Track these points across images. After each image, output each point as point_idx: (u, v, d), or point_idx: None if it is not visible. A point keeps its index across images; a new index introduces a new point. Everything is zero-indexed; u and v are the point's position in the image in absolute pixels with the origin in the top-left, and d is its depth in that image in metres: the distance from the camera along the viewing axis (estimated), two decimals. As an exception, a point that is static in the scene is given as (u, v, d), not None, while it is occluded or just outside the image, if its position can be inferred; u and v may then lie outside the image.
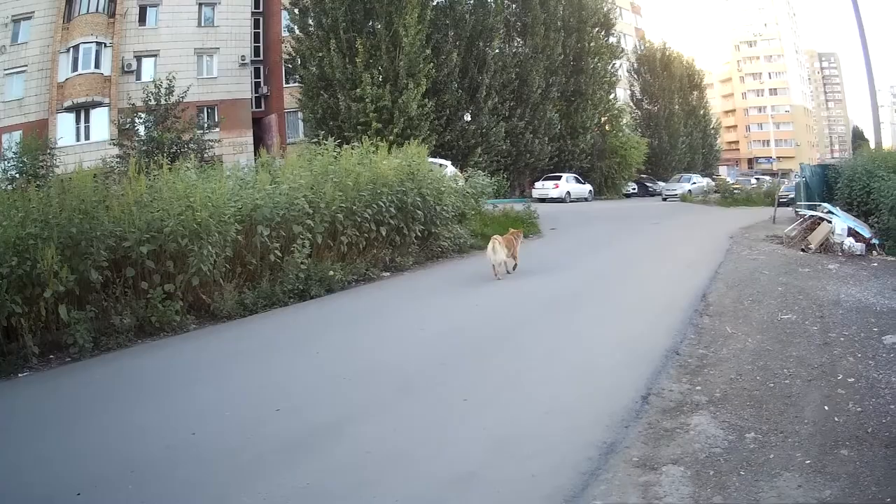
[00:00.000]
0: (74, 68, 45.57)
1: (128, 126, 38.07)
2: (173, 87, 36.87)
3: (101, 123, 45.36)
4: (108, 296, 11.01)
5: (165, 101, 36.64)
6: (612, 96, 63.24)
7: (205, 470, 6.18)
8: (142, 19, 47.97)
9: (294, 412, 7.53)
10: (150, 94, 36.72)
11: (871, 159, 24.01)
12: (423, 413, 7.57)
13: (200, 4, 49.79)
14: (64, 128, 44.31)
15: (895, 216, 18.13)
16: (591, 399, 7.91)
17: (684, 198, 51.19)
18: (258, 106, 54.12)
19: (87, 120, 45.74)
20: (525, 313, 12.61)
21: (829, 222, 19.60)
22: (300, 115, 46.97)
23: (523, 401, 7.87)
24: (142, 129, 36.48)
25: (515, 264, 16.00)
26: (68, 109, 45.25)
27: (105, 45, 46.22)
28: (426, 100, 39.77)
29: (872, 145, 33.69)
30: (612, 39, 63.47)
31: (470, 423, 7.23)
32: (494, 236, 15.61)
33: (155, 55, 47.43)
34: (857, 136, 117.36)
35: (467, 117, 45.98)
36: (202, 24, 49.76)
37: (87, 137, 45.28)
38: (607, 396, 7.93)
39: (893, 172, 20.09)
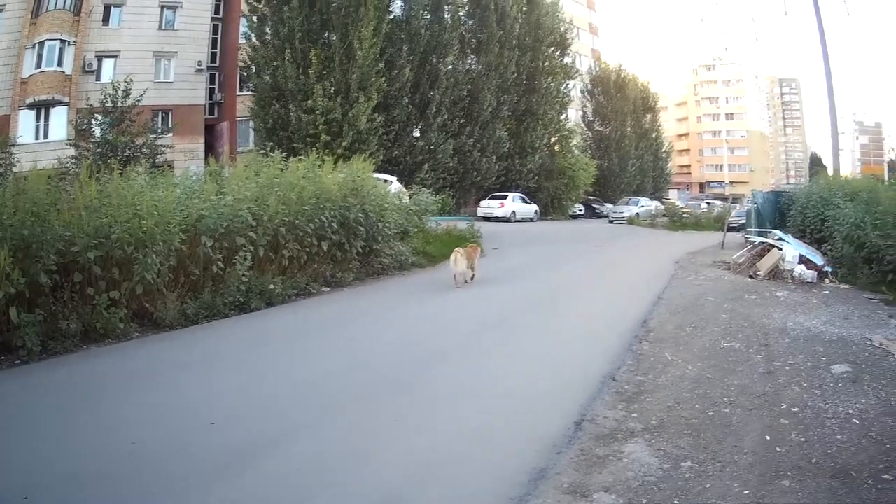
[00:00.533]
0: (38, 65, 45.47)
1: (84, 127, 38.05)
2: (130, 89, 37.22)
3: (59, 123, 45.13)
4: (56, 300, 11.02)
5: (122, 103, 37.02)
6: (563, 117, 63.89)
7: (142, 480, 6.18)
8: (105, 19, 47.82)
9: (229, 426, 7.52)
10: (107, 96, 37.09)
11: (827, 186, 24.52)
12: (354, 433, 7.56)
13: (163, 7, 49.76)
14: (24, 125, 44.37)
15: (849, 244, 18.40)
16: (524, 424, 7.93)
17: (631, 221, 51.77)
18: (211, 113, 53.77)
19: (46, 118, 45.54)
20: (459, 336, 12.64)
21: (780, 249, 19.89)
22: (251, 124, 47.12)
23: (455, 423, 7.91)
24: (98, 131, 36.76)
25: (473, 275, 17.48)
26: (30, 106, 45.08)
27: (69, 44, 46.10)
28: (376, 114, 40.22)
29: (830, 172, 34.37)
30: (567, 59, 64.32)
31: (400, 445, 7.24)
32: (456, 249, 17.16)
33: (115, 56, 47.32)
34: (815, 163, 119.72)
35: (416, 133, 46.42)
36: (163, 27, 49.79)
37: (45, 136, 45.10)
38: (540, 422, 7.96)
39: (850, 200, 20.48)
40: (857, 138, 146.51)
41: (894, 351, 11.08)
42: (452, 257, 17.17)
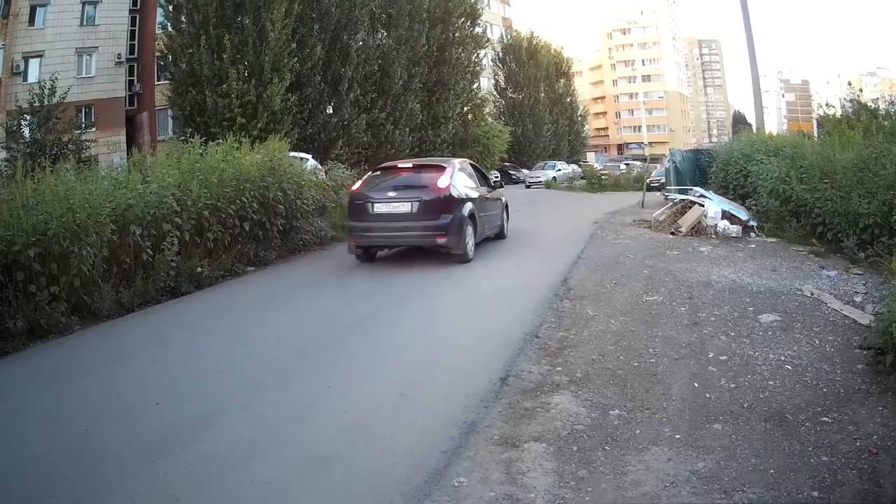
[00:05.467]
0: (-28, 70, 44.84)
1: (15, 129, 37.61)
2: (56, 87, 37.25)
3: (-7, 126, 44.51)
4: (1, 300, 11.08)
5: (48, 102, 37.04)
6: (475, 86, 64.07)
7: (96, 461, 6.36)
8: (31, 20, 47.36)
9: (171, 405, 7.68)
10: (34, 96, 37.03)
11: (749, 143, 24.98)
12: (289, 400, 7.76)
13: (84, 3, 49.33)
14: (-40, 130, 43.50)
15: (775, 198, 18.83)
16: (450, 382, 8.14)
17: (548, 185, 52.19)
18: (131, 104, 53.45)
19: (-20, 122, 44.82)
20: (384, 300, 12.92)
21: (702, 205, 20.30)
22: (170, 112, 46.93)
23: (383, 385, 8.12)
24: (27, 132, 36.72)
25: None
26: (-36, 111, 44.36)
27: (-1, 48, 45.78)
28: (290, 94, 40.36)
29: (755, 130, 34.97)
30: (478, 29, 64.01)
31: (332, 407, 7.46)
32: None
33: (41, 56, 46.88)
34: (739, 121, 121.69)
35: (329, 110, 46.26)
36: (84, 24, 49.33)
37: (-22, 141, 44.35)
38: (466, 379, 8.17)
39: (774, 156, 20.91)
40: (783, 96, 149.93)
41: (827, 300, 11.41)
42: None
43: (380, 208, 15.61)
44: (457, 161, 17.48)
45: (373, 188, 16.23)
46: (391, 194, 15.75)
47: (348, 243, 16.54)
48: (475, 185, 17.66)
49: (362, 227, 15.86)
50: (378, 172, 17.28)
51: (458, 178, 16.39)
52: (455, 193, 15.78)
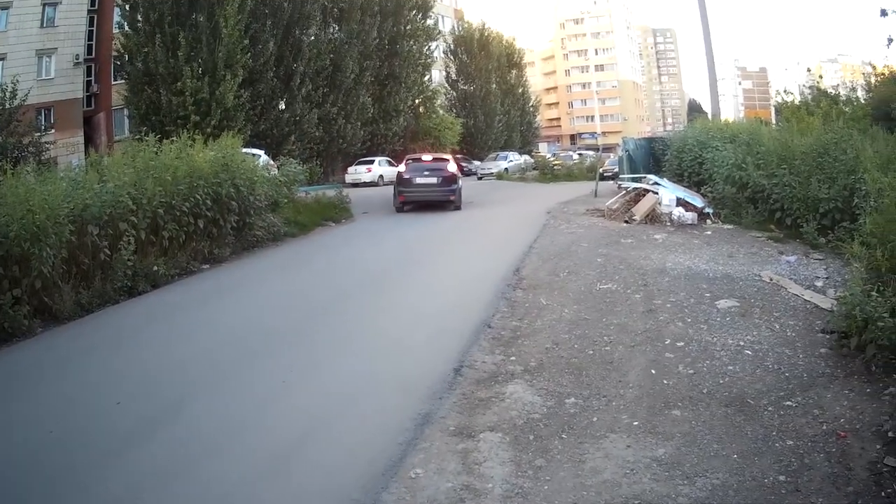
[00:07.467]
0: (-60, 77, 44.77)
1: None
2: (17, 90, 37.38)
3: (-45, 132, 44.23)
4: None
5: (10, 105, 37.08)
6: (426, 78, 64.85)
7: (70, 460, 6.43)
8: None
9: (132, 403, 7.66)
10: None
11: (703, 130, 25.09)
12: (246, 396, 7.73)
13: (45, 5, 49.17)
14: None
15: (731, 185, 18.91)
16: (403, 374, 8.12)
17: (500, 176, 52.16)
18: (89, 105, 53.13)
19: (-58, 129, 44.48)
20: (334, 293, 12.97)
21: (656, 193, 20.31)
22: (126, 111, 47.41)
23: (337, 378, 8.17)
24: None
25: None
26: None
27: (-37, 53, 45.57)
28: (242, 90, 41.03)
29: (711, 117, 35.18)
30: (429, 21, 64.71)
31: (289, 403, 7.50)
32: None
33: (3, 59, 46.64)
34: (694, 109, 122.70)
35: (282, 106, 47.04)
36: (44, 25, 49.23)
37: (-59, 146, 44.01)
38: (419, 371, 8.17)
39: (730, 142, 20.97)
40: (740, 83, 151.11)
41: (786, 285, 11.41)
42: None
43: (419, 181, 26.43)
44: (451, 156, 31.90)
45: (412, 170, 27.09)
46: (426, 173, 26.80)
47: (395, 200, 27.00)
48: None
49: (409, 191, 26.48)
50: (411, 161, 28.36)
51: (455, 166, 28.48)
52: (456, 174, 27.74)
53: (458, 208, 26.49)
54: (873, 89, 26.83)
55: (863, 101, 24.73)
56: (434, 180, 26.46)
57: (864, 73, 30.56)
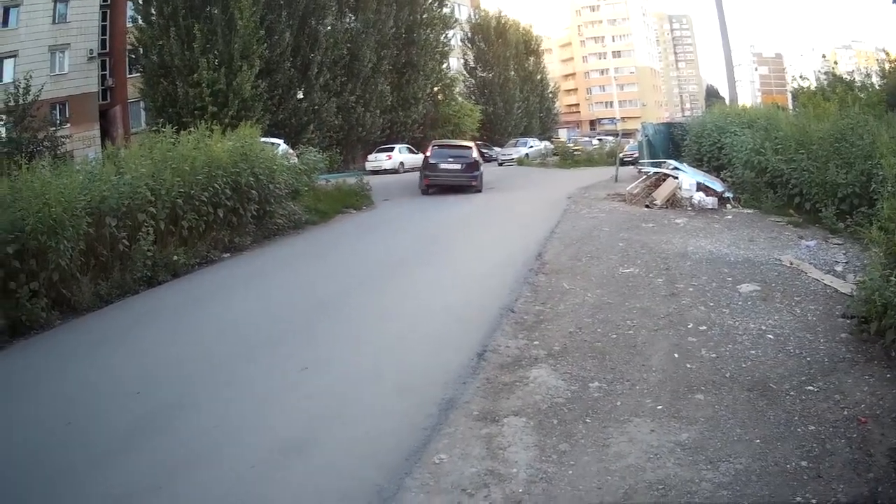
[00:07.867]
0: (-50, 74, 45.00)
1: None
2: (30, 86, 37.48)
3: (-32, 128, 44.59)
4: None
5: (23, 101, 37.25)
6: (444, 66, 64.57)
7: (76, 456, 6.36)
8: (5, 21, 47.42)
9: (153, 392, 7.69)
10: (9, 96, 37.25)
11: (722, 115, 25.06)
12: (267, 384, 7.76)
13: (56, 1, 49.16)
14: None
15: (750, 169, 18.91)
16: (427, 359, 8.16)
17: (521, 162, 51.99)
18: (104, 98, 53.32)
19: (-45, 125, 44.88)
20: (356, 279, 12.99)
21: (676, 178, 20.30)
22: (142, 104, 47.28)
23: (359, 366, 8.12)
24: (3, 131, 36.77)
25: None
26: (-60, 115, 44.21)
27: (-27, 50, 45.67)
28: (259, 80, 40.98)
29: (728, 102, 35.09)
30: (445, 10, 64.42)
31: (312, 388, 7.51)
32: None
33: (14, 56, 46.83)
34: (712, 95, 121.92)
35: (299, 95, 46.84)
36: (56, 21, 49.21)
37: (-45, 142, 44.39)
38: (443, 356, 8.18)
39: (748, 128, 20.96)
40: (757, 69, 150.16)
41: (806, 270, 11.41)
42: None
43: (444, 166, 27.91)
44: (473, 144, 33.34)
45: (437, 156, 28.50)
46: (450, 159, 28.33)
47: (421, 183, 28.74)
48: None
49: (435, 175, 27.93)
50: (437, 147, 29.82)
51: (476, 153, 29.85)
52: (478, 161, 29.26)
53: (479, 191, 27.95)
54: (888, 75, 26.77)
55: (878, 88, 24.69)
56: (458, 166, 27.93)
57: (878, 60, 30.50)
